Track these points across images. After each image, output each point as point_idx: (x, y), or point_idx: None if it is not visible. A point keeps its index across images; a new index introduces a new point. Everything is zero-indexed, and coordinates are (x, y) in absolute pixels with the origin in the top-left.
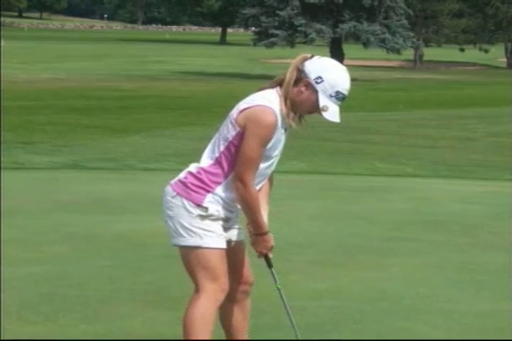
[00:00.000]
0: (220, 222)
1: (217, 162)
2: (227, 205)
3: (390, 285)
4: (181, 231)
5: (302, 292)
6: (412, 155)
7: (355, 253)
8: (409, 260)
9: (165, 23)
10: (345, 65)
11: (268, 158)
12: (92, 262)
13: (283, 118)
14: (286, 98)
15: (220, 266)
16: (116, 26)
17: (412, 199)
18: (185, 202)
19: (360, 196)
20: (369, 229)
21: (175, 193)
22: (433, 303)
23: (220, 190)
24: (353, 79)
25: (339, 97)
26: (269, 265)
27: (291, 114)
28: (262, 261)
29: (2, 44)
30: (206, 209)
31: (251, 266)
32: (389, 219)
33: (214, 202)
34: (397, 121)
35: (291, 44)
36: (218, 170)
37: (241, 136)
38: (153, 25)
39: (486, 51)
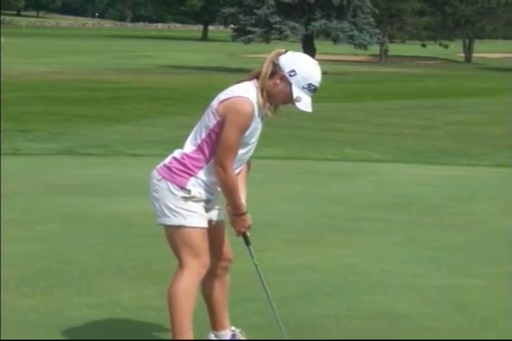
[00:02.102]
0: (202, 203)
1: (199, 148)
2: (208, 188)
3: (358, 262)
4: (166, 211)
5: (277, 267)
6: (378, 142)
7: (326, 232)
8: (376, 238)
9: (151, 21)
10: (317, 60)
11: (246, 144)
12: (84, 240)
13: (260, 108)
14: (262, 90)
15: (202, 243)
16: (107, 24)
17: (377, 182)
18: (170, 185)
19: (330, 180)
20: (338, 210)
21: (160, 177)
22: (397, 278)
23: (201, 173)
24: (323, 73)
25: (311, 89)
26: (247, 243)
27: (267, 104)
28: (241, 239)
29: (2, 40)
30: (189, 191)
31: (230, 243)
32: (357, 200)
33: (196, 185)
34: (364, 110)
35: (267, 40)
36: (200, 156)
37: (221, 125)
38: (141, 22)
39: (446, 46)
